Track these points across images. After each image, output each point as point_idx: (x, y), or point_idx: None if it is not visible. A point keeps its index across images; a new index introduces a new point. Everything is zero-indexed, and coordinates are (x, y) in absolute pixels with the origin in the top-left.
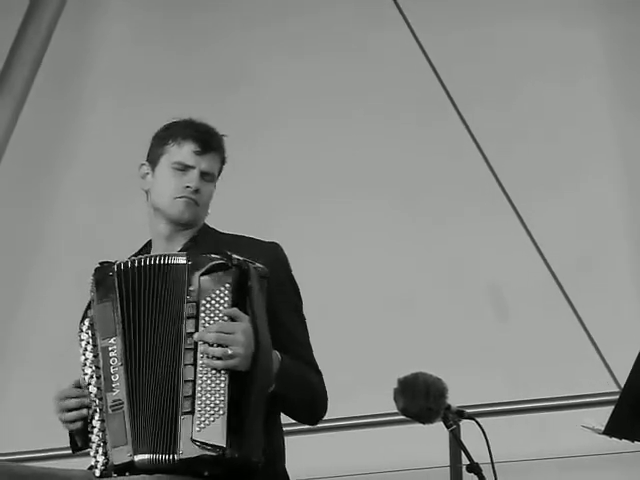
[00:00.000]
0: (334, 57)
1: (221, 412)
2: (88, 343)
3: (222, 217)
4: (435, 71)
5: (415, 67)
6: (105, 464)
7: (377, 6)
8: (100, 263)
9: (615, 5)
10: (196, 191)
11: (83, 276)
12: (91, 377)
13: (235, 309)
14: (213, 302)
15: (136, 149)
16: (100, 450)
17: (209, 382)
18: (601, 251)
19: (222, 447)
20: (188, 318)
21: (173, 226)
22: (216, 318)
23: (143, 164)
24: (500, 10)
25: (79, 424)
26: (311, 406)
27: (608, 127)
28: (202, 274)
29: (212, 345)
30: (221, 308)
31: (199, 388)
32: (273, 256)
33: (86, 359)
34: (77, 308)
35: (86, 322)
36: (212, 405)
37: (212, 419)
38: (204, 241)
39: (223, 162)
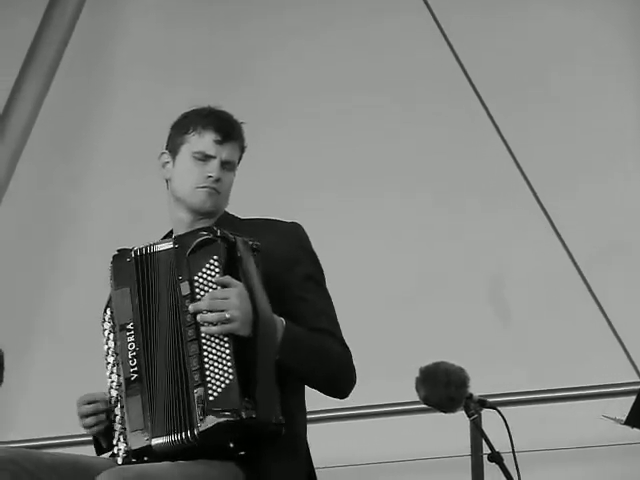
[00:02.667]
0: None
1: (231, 377)
2: (110, 332)
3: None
4: (459, 62)
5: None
6: (126, 450)
7: None
8: (118, 250)
9: None
10: (217, 180)
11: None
12: (113, 365)
13: (227, 277)
14: (205, 276)
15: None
16: (122, 437)
17: (214, 352)
18: (623, 242)
19: (237, 409)
20: (185, 297)
21: (194, 215)
22: (208, 289)
23: (163, 153)
24: None
25: (96, 429)
26: (332, 378)
27: (633, 117)
28: (190, 253)
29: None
30: (213, 279)
31: (206, 359)
32: (293, 235)
33: (108, 348)
34: (106, 285)
35: (108, 311)
36: (221, 373)
37: (223, 385)
38: (224, 228)
39: (243, 150)
